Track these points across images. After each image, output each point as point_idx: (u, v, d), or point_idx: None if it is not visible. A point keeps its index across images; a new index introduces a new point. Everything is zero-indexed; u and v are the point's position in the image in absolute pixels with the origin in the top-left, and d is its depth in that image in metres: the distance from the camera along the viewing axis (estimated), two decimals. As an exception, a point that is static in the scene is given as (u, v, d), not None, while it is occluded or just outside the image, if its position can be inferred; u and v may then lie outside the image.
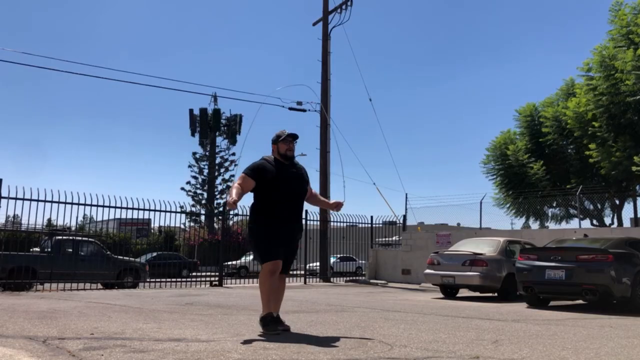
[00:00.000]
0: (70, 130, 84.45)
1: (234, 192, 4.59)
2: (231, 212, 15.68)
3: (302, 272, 16.47)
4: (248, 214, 5.01)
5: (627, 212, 24.74)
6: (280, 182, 4.81)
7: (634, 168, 16.42)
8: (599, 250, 8.21)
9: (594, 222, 21.00)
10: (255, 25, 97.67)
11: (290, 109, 18.81)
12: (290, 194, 4.86)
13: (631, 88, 16.49)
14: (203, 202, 40.26)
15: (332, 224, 17.89)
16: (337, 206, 5.19)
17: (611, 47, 17.68)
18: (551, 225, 22.31)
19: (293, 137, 5.04)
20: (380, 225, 18.87)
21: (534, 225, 22.40)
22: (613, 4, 18.16)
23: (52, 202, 11.30)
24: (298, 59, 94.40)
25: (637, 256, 8.44)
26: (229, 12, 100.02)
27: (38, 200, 11.08)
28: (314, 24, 19.39)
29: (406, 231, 18.39)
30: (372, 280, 17.31)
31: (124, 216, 15.04)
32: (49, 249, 12.95)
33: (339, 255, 24.28)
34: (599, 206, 20.97)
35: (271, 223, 4.75)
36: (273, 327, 4.58)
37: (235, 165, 41.69)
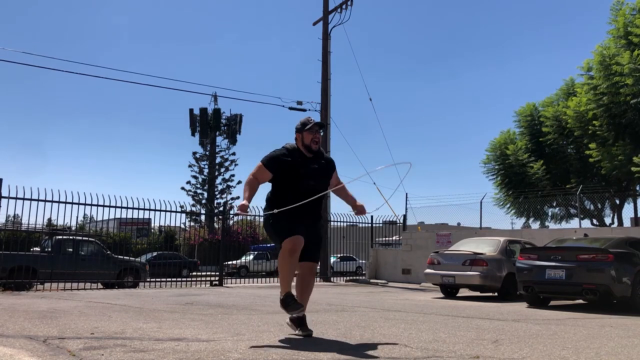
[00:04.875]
0: (70, 129, 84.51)
1: (246, 194, 4.29)
2: (231, 213, 15.67)
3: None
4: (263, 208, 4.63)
5: (627, 211, 24.78)
6: (301, 178, 4.38)
7: (633, 169, 16.40)
8: (599, 250, 8.21)
9: (594, 221, 20.98)
10: (255, 25, 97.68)
11: (291, 108, 18.83)
12: (311, 193, 4.38)
13: (630, 90, 16.48)
14: (203, 201, 40.31)
15: (332, 223, 17.89)
16: (361, 210, 4.73)
17: (612, 46, 17.67)
18: (551, 225, 22.32)
19: (320, 126, 4.54)
20: (381, 224, 18.89)
21: (534, 225, 22.40)
22: (614, 3, 18.15)
23: (52, 201, 11.31)
24: (298, 58, 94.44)
25: (637, 256, 8.44)
26: (229, 11, 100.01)
27: (38, 200, 11.09)
28: (314, 24, 19.39)
29: (406, 231, 18.39)
30: (372, 280, 17.31)
31: (124, 216, 15.06)
32: (50, 249, 12.96)
33: (339, 255, 24.31)
34: (599, 206, 20.96)
35: (287, 214, 4.34)
36: (295, 306, 4.24)
37: (236, 164, 41.86)
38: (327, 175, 4.62)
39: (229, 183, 41.50)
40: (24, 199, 10.90)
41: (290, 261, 4.19)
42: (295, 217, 4.33)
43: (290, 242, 4.18)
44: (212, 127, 41.03)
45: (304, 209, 4.34)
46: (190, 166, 41.46)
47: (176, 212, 13.64)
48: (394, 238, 19.48)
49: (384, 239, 19.25)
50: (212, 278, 15.06)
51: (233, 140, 41.82)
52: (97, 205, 11.95)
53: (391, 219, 19.24)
